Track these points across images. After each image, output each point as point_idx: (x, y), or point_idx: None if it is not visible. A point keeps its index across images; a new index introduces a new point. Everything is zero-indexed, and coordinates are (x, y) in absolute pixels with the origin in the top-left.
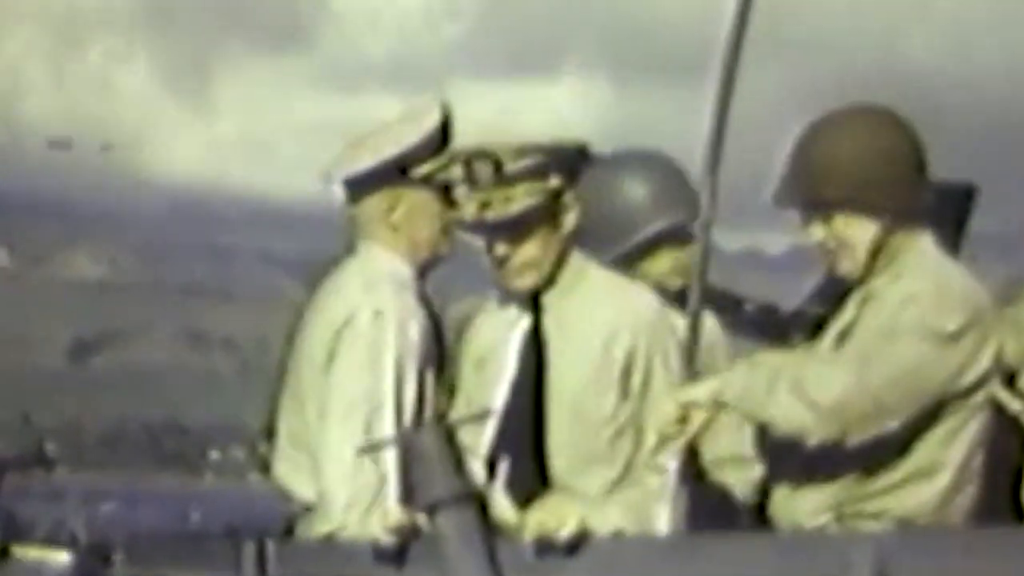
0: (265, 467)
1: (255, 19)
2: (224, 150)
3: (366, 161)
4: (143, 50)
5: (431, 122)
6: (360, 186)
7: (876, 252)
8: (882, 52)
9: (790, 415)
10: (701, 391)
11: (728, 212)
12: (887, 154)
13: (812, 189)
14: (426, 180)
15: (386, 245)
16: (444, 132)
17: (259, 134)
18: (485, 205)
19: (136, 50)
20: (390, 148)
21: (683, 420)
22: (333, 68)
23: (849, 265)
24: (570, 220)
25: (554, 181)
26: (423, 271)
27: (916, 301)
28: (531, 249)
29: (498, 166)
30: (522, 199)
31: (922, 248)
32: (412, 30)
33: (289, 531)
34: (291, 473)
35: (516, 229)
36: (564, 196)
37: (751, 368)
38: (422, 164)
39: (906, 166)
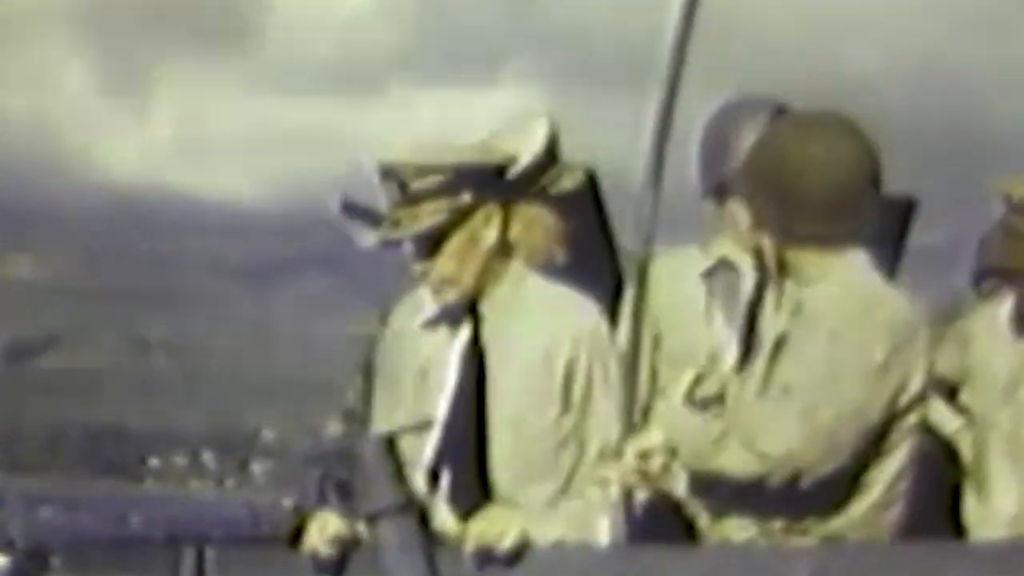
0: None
1: (196, 21)
2: (166, 153)
3: None
4: (83, 51)
5: (540, 138)
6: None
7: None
8: (824, 64)
9: (744, 466)
10: (654, 438)
11: (670, 224)
12: (852, 168)
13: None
14: (537, 194)
15: None
16: (552, 146)
17: (201, 137)
18: (396, 224)
19: (76, 51)
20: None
21: (643, 461)
22: (275, 72)
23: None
24: (491, 234)
25: (466, 197)
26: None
27: (847, 331)
28: (447, 264)
29: (403, 185)
30: (428, 216)
31: (855, 266)
32: (354, 36)
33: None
34: None
35: (425, 245)
36: (481, 210)
37: (700, 418)
38: (533, 179)
39: (865, 180)
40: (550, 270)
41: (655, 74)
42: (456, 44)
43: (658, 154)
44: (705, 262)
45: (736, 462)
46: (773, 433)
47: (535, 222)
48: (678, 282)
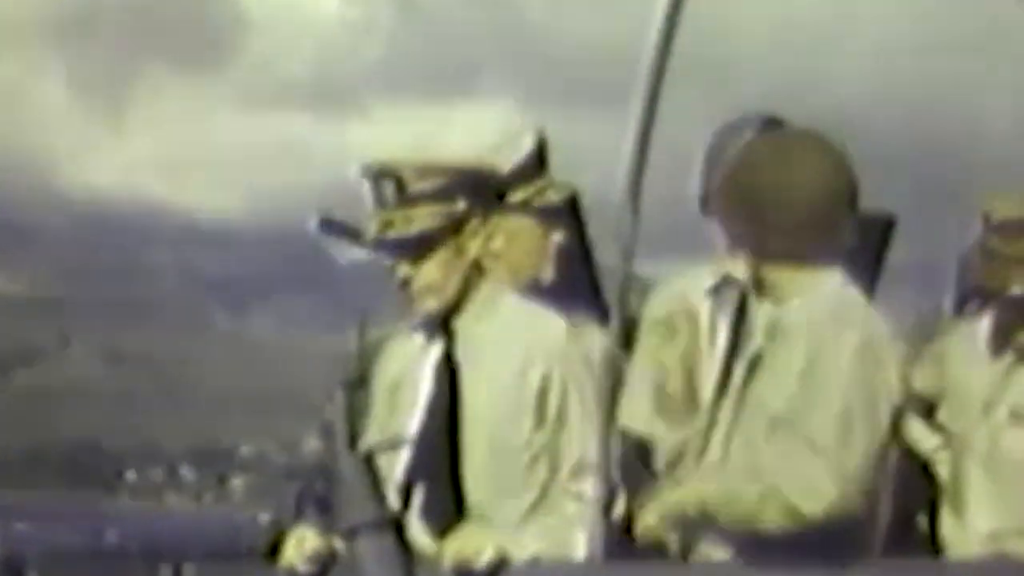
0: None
1: (171, 36)
2: (142, 167)
3: None
4: (58, 65)
5: (525, 149)
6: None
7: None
8: (804, 78)
9: (784, 525)
10: (685, 498)
11: (650, 238)
12: (834, 191)
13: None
14: (523, 206)
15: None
16: (540, 158)
17: (176, 151)
18: (387, 224)
19: (51, 65)
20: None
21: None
22: (251, 87)
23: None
24: (476, 246)
25: (460, 205)
26: (524, 295)
27: (823, 351)
28: (432, 272)
29: (401, 185)
30: (423, 220)
31: (833, 284)
32: (330, 51)
33: None
34: None
35: (416, 249)
36: (470, 221)
37: (731, 479)
38: (518, 191)
39: (840, 198)
40: (537, 287)
41: (635, 90)
42: (434, 59)
43: (637, 171)
44: (711, 279)
45: (778, 523)
46: (812, 497)
47: (520, 235)
48: (687, 298)
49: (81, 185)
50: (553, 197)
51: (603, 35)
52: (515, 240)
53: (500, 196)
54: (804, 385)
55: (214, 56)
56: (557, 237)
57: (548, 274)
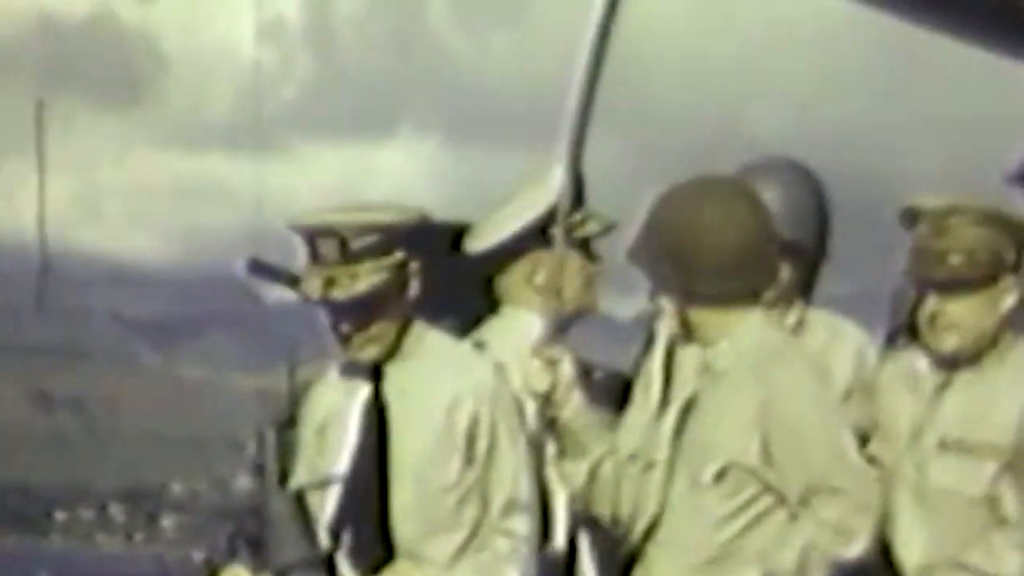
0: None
1: (89, 75)
2: (62, 209)
3: (507, 230)
4: None
5: (558, 182)
6: (502, 256)
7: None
8: (724, 122)
9: None
10: None
11: None
12: (751, 237)
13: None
14: (563, 239)
15: (532, 307)
16: (577, 189)
17: (97, 192)
18: (330, 282)
19: None
20: (528, 214)
21: None
22: (170, 126)
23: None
24: (414, 288)
25: (398, 254)
26: (566, 327)
27: (755, 389)
28: (377, 324)
29: (343, 243)
30: (368, 276)
31: (758, 324)
32: (248, 90)
33: None
34: None
35: (363, 308)
36: (408, 266)
37: (772, 548)
38: (558, 224)
39: (762, 245)
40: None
41: (559, 130)
42: (354, 99)
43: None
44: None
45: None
46: (846, 545)
47: (562, 268)
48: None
49: (2, 227)
50: (594, 227)
51: (526, 76)
52: (558, 273)
53: (543, 231)
54: (764, 428)
55: (134, 96)
56: (599, 267)
57: (594, 304)
